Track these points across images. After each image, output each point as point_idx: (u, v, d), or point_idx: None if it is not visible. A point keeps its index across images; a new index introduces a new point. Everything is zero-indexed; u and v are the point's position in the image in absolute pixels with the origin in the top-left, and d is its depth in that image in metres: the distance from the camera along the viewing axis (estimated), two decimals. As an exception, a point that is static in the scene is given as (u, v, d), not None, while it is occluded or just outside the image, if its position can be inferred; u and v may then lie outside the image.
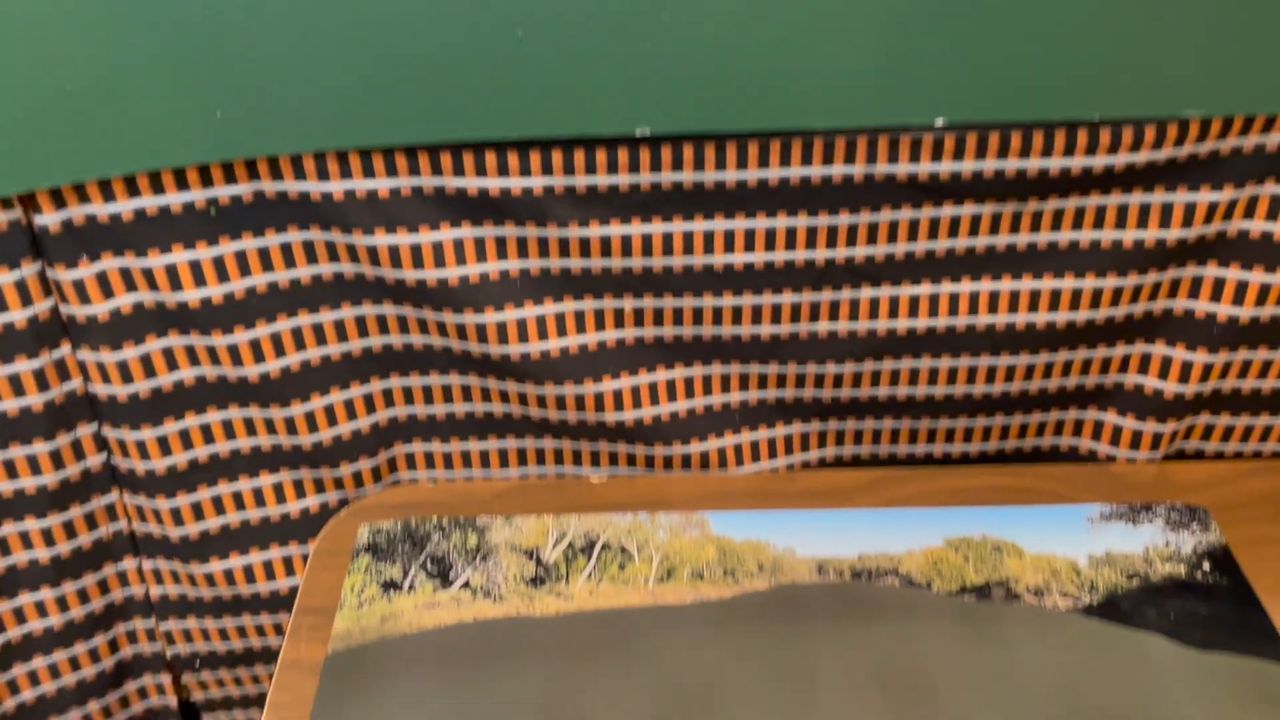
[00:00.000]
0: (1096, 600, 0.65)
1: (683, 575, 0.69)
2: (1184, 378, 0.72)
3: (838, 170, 0.64)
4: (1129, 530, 0.70)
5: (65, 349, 0.66)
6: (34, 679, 0.76)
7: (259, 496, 0.74)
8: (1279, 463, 0.75)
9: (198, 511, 0.73)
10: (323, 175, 0.63)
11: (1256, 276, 0.69)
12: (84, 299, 0.64)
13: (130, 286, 0.65)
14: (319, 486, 0.75)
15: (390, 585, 0.68)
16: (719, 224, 0.67)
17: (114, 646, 0.78)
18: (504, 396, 0.74)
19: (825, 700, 0.60)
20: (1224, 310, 0.70)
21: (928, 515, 0.72)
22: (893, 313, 0.71)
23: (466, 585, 0.68)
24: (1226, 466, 0.75)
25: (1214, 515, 0.70)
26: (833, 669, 0.62)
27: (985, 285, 0.70)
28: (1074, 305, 0.70)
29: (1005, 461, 0.79)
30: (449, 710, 0.60)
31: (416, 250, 0.66)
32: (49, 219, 0.61)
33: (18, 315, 0.64)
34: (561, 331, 0.70)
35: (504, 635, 0.65)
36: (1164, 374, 0.73)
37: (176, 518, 0.73)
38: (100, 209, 0.62)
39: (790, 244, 0.68)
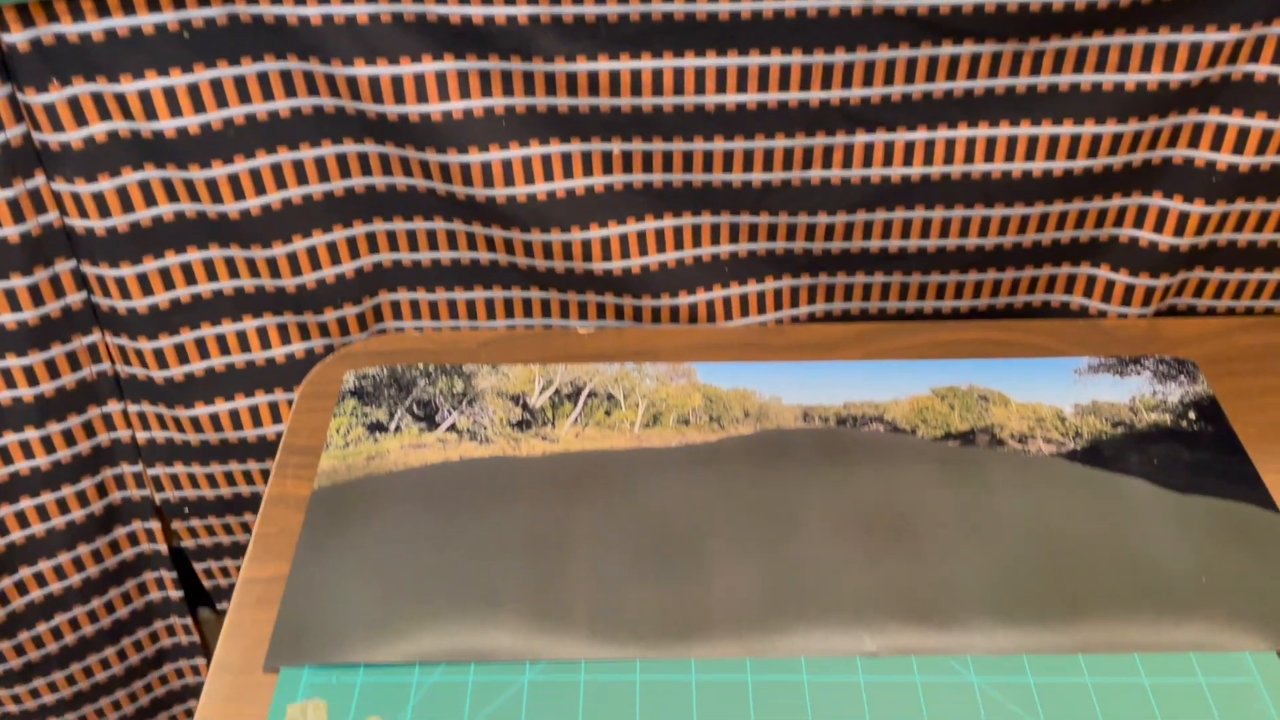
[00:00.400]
0: (1080, 446, 0.66)
1: (669, 421, 0.69)
2: (1180, 230, 0.71)
3: (834, 2, 0.62)
4: (1116, 382, 0.70)
5: (40, 179, 0.65)
6: (22, 520, 0.76)
7: (243, 341, 0.74)
8: (1270, 319, 0.75)
9: (181, 354, 0.73)
10: (300, -1, 0.61)
11: (1259, 123, 0.67)
12: (56, 125, 0.62)
13: (104, 114, 0.63)
14: (304, 332, 0.74)
15: (376, 427, 0.68)
16: (710, 61, 0.65)
17: (102, 491, 0.78)
18: (490, 243, 0.73)
19: (807, 538, 0.61)
20: (1224, 159, 0.69)
21: (914, 367, 0.72)
22: (887, 159, 0.69)
23: (453, 428, 0.68)
24: (1217, 322, 0.74)
25: (1202, 369, 0.70)
26: (815, 508, 0.62)
27: (983, 131, 0.68)
28: (1073, 153, 0.69)
29: (995, 318, 0.78)
30: (434, 542, 0.61)
31: (398, 83, 0.64)
32: (17, 37, 0.59)
33: (-10, 142, 0.62)
34: (549, 175, 0.69)
35: (489, 474, 0.65)
36: (1160, 226, 0.72)
37: (160, 360, 0.72)
38: (70, 28, 0.59)
39: (784, 84, 0.66)
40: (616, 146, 0.69)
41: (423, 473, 0.65)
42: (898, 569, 0.59)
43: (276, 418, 0.76)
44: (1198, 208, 0.71)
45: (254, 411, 0.76)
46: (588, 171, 0.69)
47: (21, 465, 0.74)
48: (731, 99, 0.67)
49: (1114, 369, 0.70)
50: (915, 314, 0.78)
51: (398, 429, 0.68)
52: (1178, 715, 0.52)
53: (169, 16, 0.60)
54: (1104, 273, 0.75)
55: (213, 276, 0.71)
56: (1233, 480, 0.63)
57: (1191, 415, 0.67)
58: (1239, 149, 0.68)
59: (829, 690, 0.54)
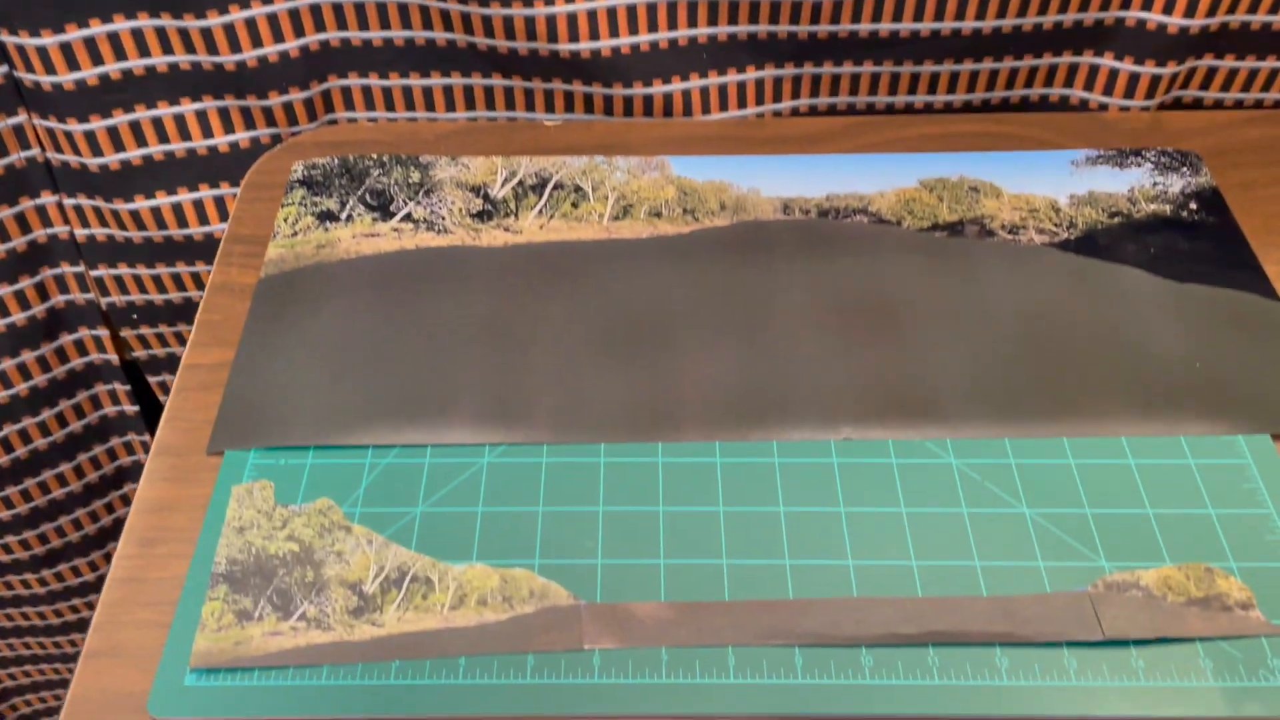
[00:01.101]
0: (1074, 236, 0.62)
1: (639, 213, 0.64)
2: (1190, 11, 0.66)
3: None
4: (1114, 173, 0.66)
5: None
6: (-43, 321, 0.72)
7: (182, 126, 0.68)
8: (1279, 112, 0.71)
9: (115, 139, 0.67)
10: None
11: (1287, -117, 0.61)
12: None
13: None
14: (247, 119, 0.69)
15: (327, 216, 0.64)
16: None
17: (43, 293, 0.74)
18: (447, 20, 0.67)
19: (784, 329, 0.57)
20: (1245, -74, 0.63)
21: (902, 159, 0.67)
22: (880, -74, 0.64)
23: (409, 218, 0.64)
24: (1224, 115, 0.70)
25: (1206, 162, 0.66)
26: (793, 300, 0.59)
27: (985, -108, 0.63)
28: (1081, -80, 0.63)
29: (990, 113, 0.74)
30: (388, 330, 0.57)
31: None
32: None
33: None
34: (510, -59, 0.63)
35: (447, 263, 0.62)
36: (1169, 8, 0.67)
37: (93, 145, 0.67)
38: None
39: None
40: (584, -91, 0.63)
41: (376, 261, 0.61)
42: (879, 360, 0.56)
43: (223, 214, 0.72)
44: (1213, -15, 0.65)
45: (198, 206, 0.71)
46: (553, -61, 0.63)
47: (-50, 262, 0.70)
48: None
49: (1113, 161, 0.66)
50: (906, 109, 0.73)
51: (349, 218, 0.64)
52: (1165, 496, 0.50)
53: None
54: (1107, 61, 0.70)
55: (144, 51, 0.65)
56: (1233, 269, 0.60)
57: (1192, 206, 0.63)
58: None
59: (801, 471, 0.51)
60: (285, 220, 0.64)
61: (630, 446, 0.53)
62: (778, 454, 0.52)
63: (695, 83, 0.70)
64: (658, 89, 0.70)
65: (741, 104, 0.72)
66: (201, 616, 0.46)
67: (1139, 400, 0.54)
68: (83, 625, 0.97)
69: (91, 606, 0.95)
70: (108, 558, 0.92)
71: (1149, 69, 0.69)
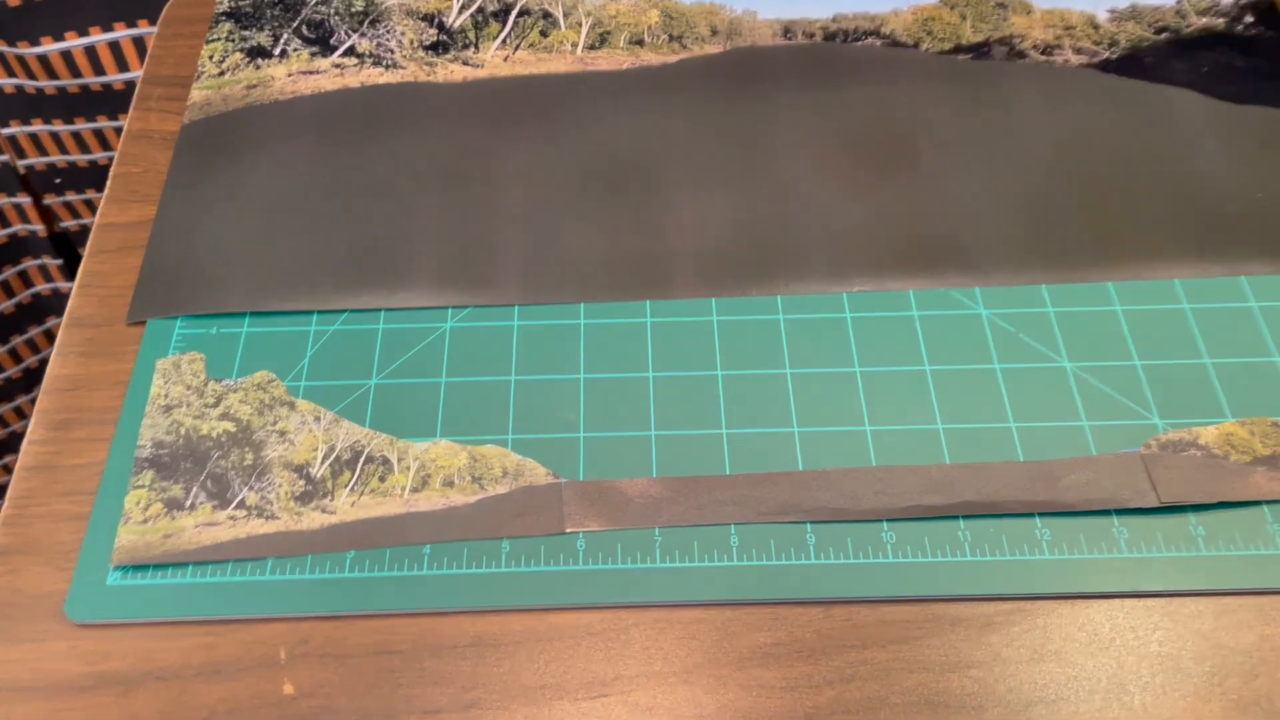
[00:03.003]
0: (1116, 55, 0.54)
1: (619, 41, 0.56)
2: None
3: None
4: (1160, -15, 0.58)
5: None
6: None
7: (86, -49, 0.60)
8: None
9: (8, -32, 0.59)
10: None
11: None
12: None
13: None
14: (163, -57, 0.60)
15: (257, 52, 0.56)
16: None
17: (-52, 155, 0.66)
18: None
19: (786, 167, 0.50)
20: None
21: (919, -26, 0.59)
22: None
23: (351, 51, 0.56)
24: (1284, -84, 0.61)
25: (1263, -31, 0.58)
26: (796, 133, 0.52)
27: None
28: None
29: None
30: (331, 179, 0.50)
31: None
32: None
33: None
34: None
35: (398, 102, 0.54)
36: None
37: (-18, -24, 0.58)
38: None
39: None
40: None
41: (315, 101, 0.53)
42: (896, 202, 0.49)
43: (144, 58, 0.63)
44: None
45: (115, 49, 0.62)
46: None
47: None
48: None
49: (1158, -30, 0.58)
50: (918, -80, 0.64)
51: (284, 54, 0.55)
52: (1225, 344, 0.44)
53: None
54: None
55: None
56: (1296, 89, 0.53)
57: (1248, 19, 0.55)
58: None
59: (809, 328, 0.45)
60: (210, 58, 0.55)
61: (613, 306, 0.46)
62: (782, 310, 0.46)
63: (679, -109, 0.61)
64: (636, -101, 0.61)
65: (732, -83, 0.63)
66: (124, 507, 0.40)
67: (1193, 237, 0.47)
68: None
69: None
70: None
71: None
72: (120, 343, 0.45)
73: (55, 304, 0.76)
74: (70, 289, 0.75)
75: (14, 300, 0.74)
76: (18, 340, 0.76)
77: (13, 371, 0.78)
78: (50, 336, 0.78)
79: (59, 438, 0.43)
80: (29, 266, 0.73)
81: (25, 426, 0.81)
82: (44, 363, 0.79)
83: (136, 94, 0.54)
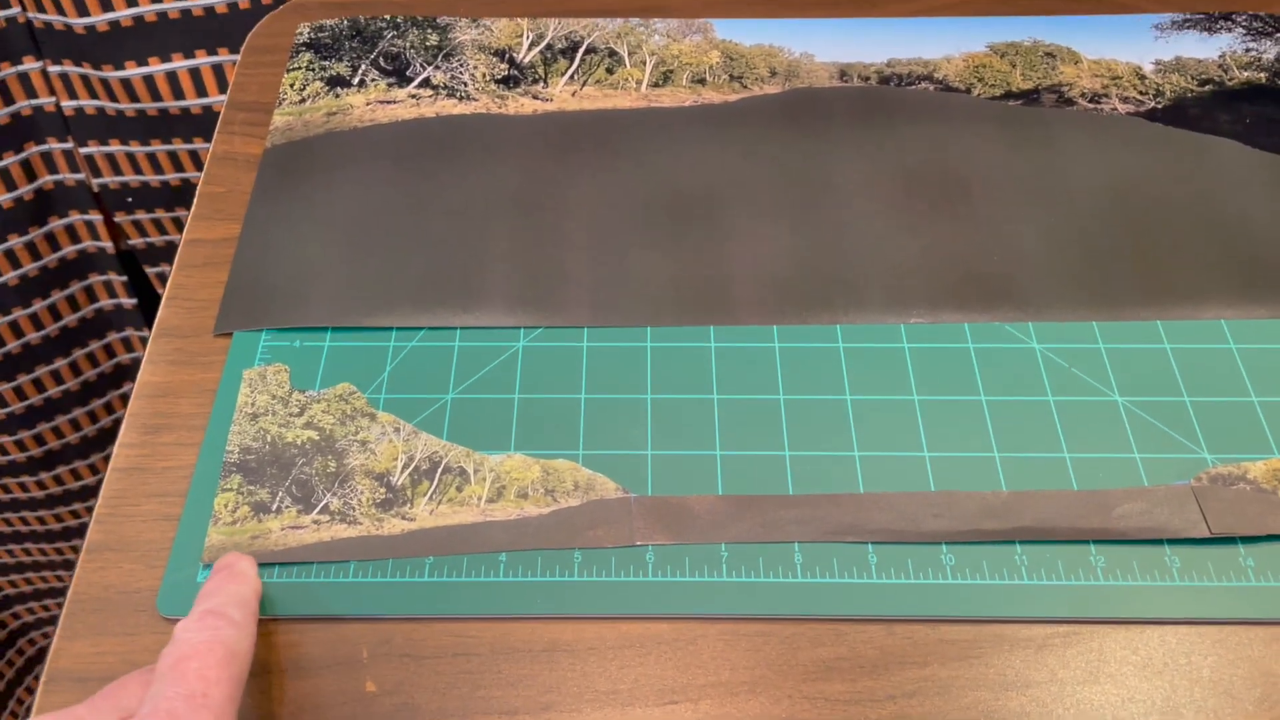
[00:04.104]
0: (1162, 105, 0.56)
1: (681, 79, 0.59)
2: None
3: None
4: (1203, 39, 0.60)
5: None
6: (-63, 204, 0.67)
7: (174, -18, 0.62)
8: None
9: (102, -4, 0.61)
10: None
11: None
12: None
13: None
14: (247, -24, 0.63)
15: (337, 81, 0.58)
16: None
17: (29, 172, 0.68)
18: None
19: (844, 202, 0.52)
20: None
21: (970, 23, 0.61)
22: None
23: (427, 83, 0.58)
24: (1323, -23, 0.64)
25: (1303, 27, 0.60)
26: (853, 170, 0.54)
27: None
28: None
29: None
30: (409, 203, 0.52)
31: None
32: None
33: None
34: None
35: (472, 133, 0.56)
36: None
37: (78, 2, 0.61)
38: None
39: None
40: None
41: (393, 129, 0.56)
42: (951, 238, 0.51)
43: (222, 85, 0.66)
44: None
45: (195, 75, 0.65)
46: None
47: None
48: None
49: (1201, 25, 0.60)
50: (968, -28, 0.67)
51: (362, 84, 0.58)
52: (1272, 383, 0.45)
53: None
54: (1197, -85, 0.64)
55: (130, -107, 0.58)
56: (1337, 142, 0.54)
57: (1291, 74, 0.58)
58: None
59: (868, 357, 0.47)
60: (291, 86, 0.58)
61: (679, 330, 0.48)
62: (842, 339, 0.47)
63: (739, -61, 0.64)
64: (698, -54, 0.64)
65: (788, -35, 0.66)
66: (214, 509, 0.42)
67: (1239, 280, 0.49)
68: (83, 531, 0.93)
69: (92, 511, 0.92)
70: (108, 460, 0.88)
71: (1242, -76, 0.63)
72: (207, 353, 0.47)
73: (116, 319, 0.78)
74: (133, 304, 0.78)
75: (78, 314, 0.77)
76: (79, 353, 0.79)
77: (71, 384, 0.80)
78: (110, 351, 0.80)
79: (149, 440, 0.44)
80: (95, 282, 0.76)
81: (79, 438, 0.83)
82: (101, 376, 0.81)
83: (221, 118, 0.56)
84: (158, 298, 0.79)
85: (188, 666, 0.33)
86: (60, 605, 1.03)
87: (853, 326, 0.48)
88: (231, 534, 0.41)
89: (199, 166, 0.70)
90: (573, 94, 0.58)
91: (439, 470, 0.43)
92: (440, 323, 0.48)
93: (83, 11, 0.61)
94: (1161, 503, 0.42)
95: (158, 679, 0.33)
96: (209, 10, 0.63)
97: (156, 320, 0.48)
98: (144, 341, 0.80)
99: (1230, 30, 0.60)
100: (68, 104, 0.66)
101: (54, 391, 0.80)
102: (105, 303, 0.77)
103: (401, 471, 0.43)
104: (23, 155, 0.67)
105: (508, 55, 0.60)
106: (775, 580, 0.41)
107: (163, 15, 0.63)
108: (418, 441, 0.44)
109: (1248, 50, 0.59)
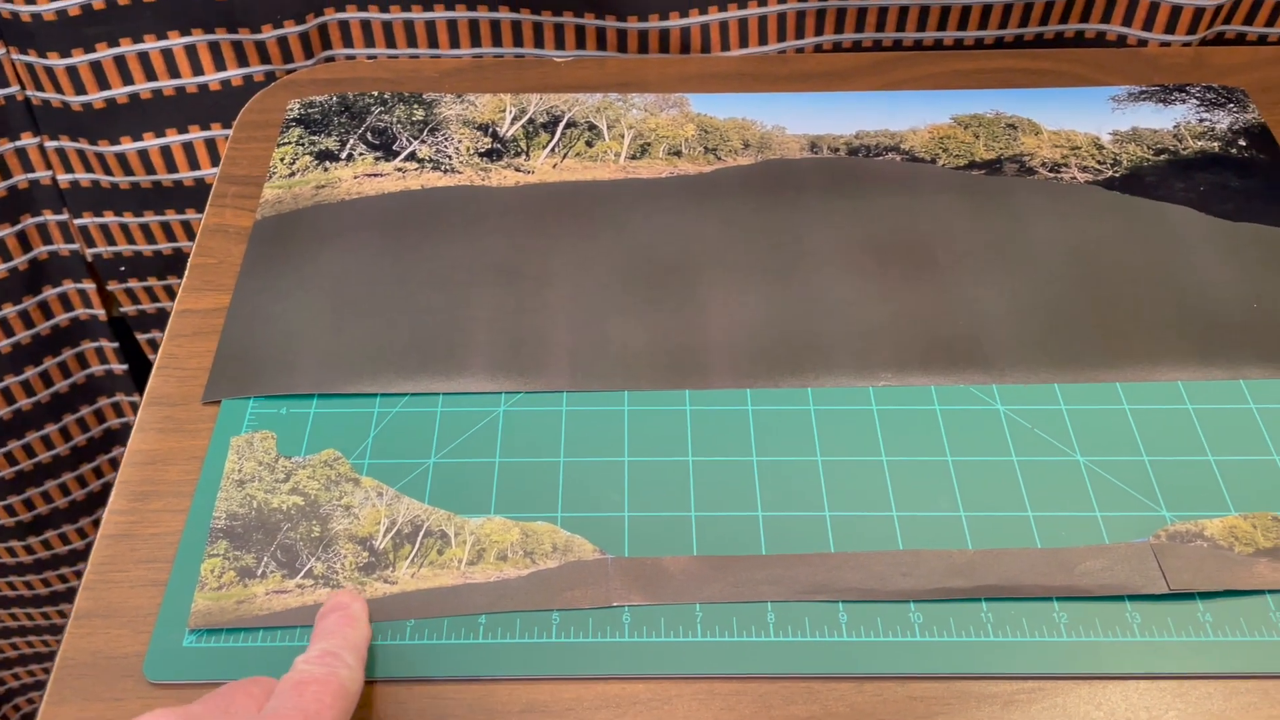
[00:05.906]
0: (1119, 174, 0.59)
1: (658, 152, 0.61)
2: (1240, -62, 0.63)
3: None
4: (1158, 110, 0.62)
5: None
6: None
7: (170, 62, 0.64)
8: (1328, 48, 0.68)
9: (100, 75, 0.63)
10: None
11: None
12: None
13: None
14: (239, 55, 0.65)
15: (326, 155, 0.60)
16: None
17: (25, 243, 0.70)
18: (451, -52, 0.63)
19: (815, 269, 0.54)
20: None
21: (935, 96, 0.64)
22: None
23: (413, 156, 0.60)
24: (1270, 50, 0.66)
25: (1253, 97, 0.63)
26: (823, 238, 0.56)
27: None
28: None
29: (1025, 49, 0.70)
30: (394, 273, 0.54)
31: None
32: None
33: None
34: None
35: (456, 204, 0.58)
36: (1217, -66, 0.63)
37: (76, 82, 0.63)
38: None
39: None
40: None
41: (380, 202, 0.58)
42: (918, 303, 0.52)
43: (215, 158, 0.68)
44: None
45: (188, 149, 0.67)
46: None
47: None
48: None
49: (1156, 97, 0.63)
50: (935, 46, 0.70)
51: (350, 158, 0.60)
52: (1226, 443, 0.47)
53: None
54: (1149, -8, 0.67)
55: (128, -23, 0.61)
56: (1287, 208, 0.57)
57: (1241, 143, 0.60)
58: None
59: (838, 419, 0.48)
60: (281, 160, 0.60)
61: (655, 394, 0.49)
62: (813, 401, 0.49)
63: (714, 16, 0.67)
64: (674, 23, 0.66)
65: (763, 40, 0.68)
66: (200, 574, 0.43)
67: (1195, 343, 0.51)
68: (71, 595, 0.93)
69: (81, 575, 0.92)
70: (97, 524, 0.89)
71: (1191, 1, 0.66)
72: (196, 420, 0.48)
73: (107, 385, 0.79)
74: (123, 370, 0.79)
75: (69, 380, 0.78)
76: (70, 419, 0.80)
77: (61, 449, 0.81)
78: (100, 416, 0.81)
79: (138, 507, 0.46)
80: (86, 349, 0.77)
81: (68, 503, 0.84)
82: (91, 441, 0.82)
83: (213, 191, 0.58)
84: (149, 363, 0.80)
85: (307, 690, 0.36)
86: (48, 670, 1.02)
87: (823, 390, 0.49)
88: (217, 599, 0.42)
89: (191, 235, 0.72)
90: (554, 166, 0.60)
91: (420, 534, 0.44)
92: (423, 389, 0.49)
93: (80, 90, 0.63)
94: (1122, 560, 0.43)
95: (278, 695, 0.36)
96: (203, 88, 0.65)
97: (147, 389, 0.50)
98: (134, 407, 0.81)
99: (1184, 101, 0.63)
100: (64, 177, 0.68)
101: (44, 456, 0.81)
102: (96, 369, 0.78)
103: (384, 535, 0.44)
104: (18, 227, 0.69)
105: (491, 129, 0.62)
106: (749, 639, 0.42)
107: (158, 93, 0.65)
108: (400, 506, 0.45)
109: (1201, 120, 0.61)
